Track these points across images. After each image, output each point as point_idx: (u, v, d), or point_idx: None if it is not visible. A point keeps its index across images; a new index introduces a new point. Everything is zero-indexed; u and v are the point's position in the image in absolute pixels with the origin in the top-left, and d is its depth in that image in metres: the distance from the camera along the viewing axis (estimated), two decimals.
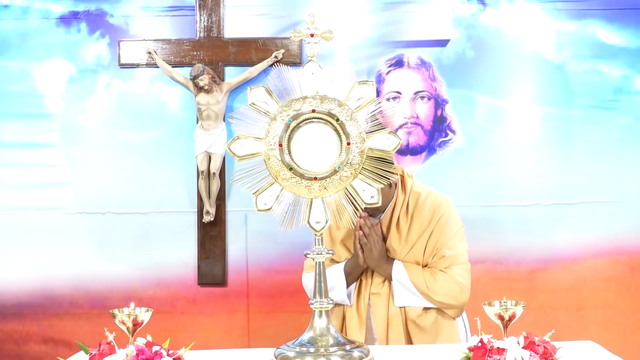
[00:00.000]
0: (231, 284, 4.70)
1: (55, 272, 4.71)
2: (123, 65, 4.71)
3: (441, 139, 4.73)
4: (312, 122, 2.59)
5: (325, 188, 2.58)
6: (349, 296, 3.32)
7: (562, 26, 4.72)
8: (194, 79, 4.54)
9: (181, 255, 4.71)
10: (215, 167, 4.60)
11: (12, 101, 4.74)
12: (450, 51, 4.72)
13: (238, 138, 2.60)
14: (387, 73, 4.73)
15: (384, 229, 3.30)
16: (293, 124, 2.58)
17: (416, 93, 4.74)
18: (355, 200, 2.58)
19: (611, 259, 4.71)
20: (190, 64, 4.64)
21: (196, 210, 4.68)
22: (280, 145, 2.58)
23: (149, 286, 4.70)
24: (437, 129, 4.74)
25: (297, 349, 2.62)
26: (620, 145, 4.71)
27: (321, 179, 2.57)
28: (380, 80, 4.72)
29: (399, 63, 4.73)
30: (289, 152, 2.58)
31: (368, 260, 3.26)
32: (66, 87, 4.74)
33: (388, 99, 4.71)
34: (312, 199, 2.59)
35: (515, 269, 4.70)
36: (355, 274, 3.32)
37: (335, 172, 2.57)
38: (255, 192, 2.60)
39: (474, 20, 4.73)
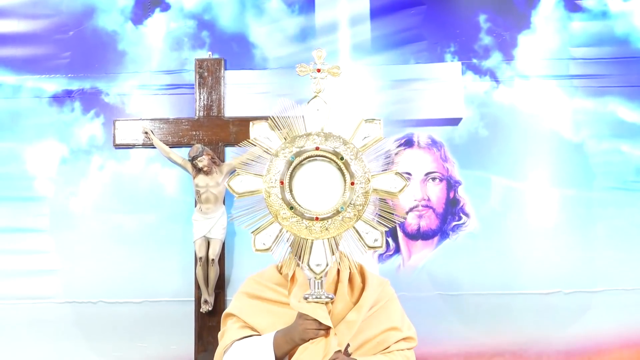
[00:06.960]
0: None
1: None
2: (118, 146, 4.66)
3: (454, 223, 4.67)
4: (316, 160, 2.57)
5: (326, 229, 2.54)
6: None
7: (580, 104, 4.68)
8: (192, 160, 4.46)
9: (177, 347, 4.57)
10: (214, 253, 4.49)
11: (0, 184, 4.68)
12: (462, 130, 4.68)
13: (238, 174, 2.58)
14: (396, 153, 4.67)
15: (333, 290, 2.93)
16: (296, 162, 2.55)
17: (427, 174, 4.69)
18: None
19: (638, 351, 4.60)
20: (189, 144, 4.59)
21: (193, 299, 4.55)
22: (282, 182, 2.55)
23: None
24: (450, 212, 4.67)
25: None
26: None
27: (323, 219, 2.53)
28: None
29: (408, 142, 4.68)
30: (290, 191, 2.55)
31: None
32: (57, 170, 4.70)
33: None
34: (312, 240, 2.54)
35: None
36: (287, 349, 2.77)
37: (337, 212, 2.53)
38: (254, 231, 2.56)
39: (487, 97, 4.70)
